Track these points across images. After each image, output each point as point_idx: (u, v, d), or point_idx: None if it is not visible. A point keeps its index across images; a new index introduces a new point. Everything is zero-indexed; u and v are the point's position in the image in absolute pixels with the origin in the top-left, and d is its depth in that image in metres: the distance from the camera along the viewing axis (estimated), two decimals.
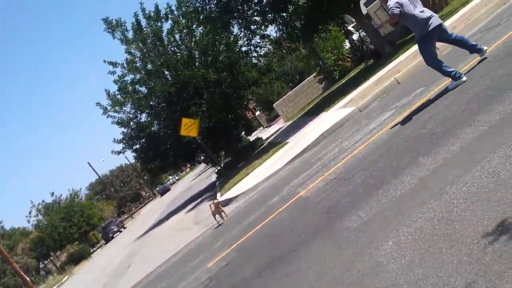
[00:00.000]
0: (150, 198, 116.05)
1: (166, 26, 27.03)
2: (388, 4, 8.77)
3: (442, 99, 8.15)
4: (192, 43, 26.87)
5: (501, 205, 3.96)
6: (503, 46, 8.64)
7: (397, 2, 8.57)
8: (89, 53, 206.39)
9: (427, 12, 8.64)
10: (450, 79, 8.48)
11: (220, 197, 17.63)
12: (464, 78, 8.18)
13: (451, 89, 8.27)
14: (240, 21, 22.63)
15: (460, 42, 8.92)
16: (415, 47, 16.65)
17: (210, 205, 13.07)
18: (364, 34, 26.02)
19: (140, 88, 26.88)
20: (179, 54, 26.75)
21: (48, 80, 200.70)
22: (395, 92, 12.69)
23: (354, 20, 25.42)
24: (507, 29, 9.67)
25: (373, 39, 22.93)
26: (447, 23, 16.61)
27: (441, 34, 8.74)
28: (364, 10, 31.33)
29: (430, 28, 8.52)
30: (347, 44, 33.25)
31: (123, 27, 26.21)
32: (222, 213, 12.69)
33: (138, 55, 26.58)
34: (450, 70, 8.44)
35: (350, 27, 31.93)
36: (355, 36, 30.78)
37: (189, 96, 25.60)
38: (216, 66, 25.82)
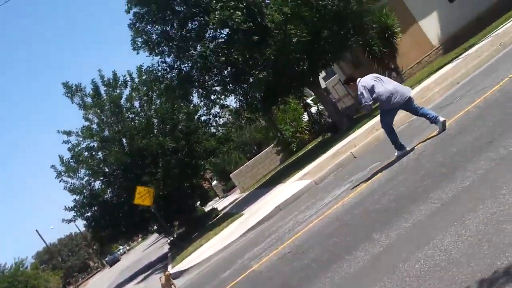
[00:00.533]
0: (99, 269, 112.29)
1: (126, 92, 26.94)
2: (358, 89, 9.37)
3: (396, 175, 8.18)
4: (152, 111, 26.84)
5: (453, 284, 3.88)
6: (455, 124, 8.83)
7: (364, 87, 9.21)
8: (43, 116, 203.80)
9: (393, 88, 9.24)
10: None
11: (171, 269, 17.08)
12: (408, 149, 9.05)
13: (397, 156, 9.20)
14: (200, 90, 22.73)
15: (423, 112, 9.38)
16: (372, 122, 17.05)
17: (160, 278, 12.54)
18: (323, 107, 26.50)
19: (95, 154, 26.47)
20: (137, 121, 26.64)
21: None
22: (351, 166, 12.74)
23: (313, 94, 25.91)
24: (460, 108, 9.93)
25: (331, 112, 23.33)
26: None
27: (406, 107, 9.42)
28: (323, 84, 32.15)
29: (392, 105, 9.21)
30: (305, 117, 33.86)
31: (82, 92, 26.12)
32: (172, 286, 12.20)
33: (96, 121, 26.36)
34: (397, 140, 9.30)
35: (309, 100, 32.60)
36: (313, 109, 31.40)
37: (144, 164, 25.27)
38: (174, 134, 25.74)
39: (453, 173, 6.23)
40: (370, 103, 9.27)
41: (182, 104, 25.00)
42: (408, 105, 9.40)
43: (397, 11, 23.56)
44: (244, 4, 18.90)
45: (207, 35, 21.33)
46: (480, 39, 19.28)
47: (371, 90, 9.25)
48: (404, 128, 12.07)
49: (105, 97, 26.25)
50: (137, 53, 21.87)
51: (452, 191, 5.67)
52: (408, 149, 9.24)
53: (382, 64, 24.67)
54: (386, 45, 23.81)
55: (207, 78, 22.19)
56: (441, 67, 19.03)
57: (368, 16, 21.42)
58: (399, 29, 23.24)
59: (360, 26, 21.12)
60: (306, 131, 33.98)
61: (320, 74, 26.52)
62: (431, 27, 24.59)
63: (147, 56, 22.38)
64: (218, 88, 22.85)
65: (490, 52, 14.50)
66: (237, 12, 18.55)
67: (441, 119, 9.01)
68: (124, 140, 26.15)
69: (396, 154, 9.43)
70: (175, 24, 21.46)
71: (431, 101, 13.54)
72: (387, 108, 9.37)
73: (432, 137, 8.99)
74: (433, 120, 9.17)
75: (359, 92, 9.30)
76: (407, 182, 7.28)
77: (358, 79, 9.57)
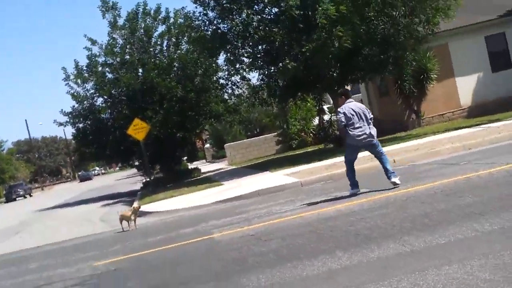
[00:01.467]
0: (69, 179, 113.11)
1: (160, 28, 27.02)
2: (338, 110, 10.29)
3: (380, 207, 8.34)
4: (175, 55, 26.85)
5: None
6: (453, 184, 8.97)
7: (342, 113, 9.97)
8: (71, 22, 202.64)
9: (364, 128, 9.88)
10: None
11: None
12: (356, 191, 9.99)
13: (350, 193, 10.02)
14: (229, 54, 22.70)
15: (382, 161, 10.13)
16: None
17: (127, 210, 12.78)
18: (335, 119, 26.55)
19: (108, 74, 26.61)
20: (159, 59, 26.68)
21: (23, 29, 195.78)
22: (341, 182, 12.81)
23: (332, 102, 25.94)
24: (462, 171, 10.07)
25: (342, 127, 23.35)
26: (413, 143, 17.20)
27: (370, 149, 10.23)
28: None
29: (356, 142, 9.97)
30: (316, 121, 33.90)
31: (117, 11, 26.26)
32: (134, 221, 12.40)
33: (120, 43, 26.42)
34: (352, 179, 10.16)
35: (325, 107, 32.61)
36: (326, 117, 31.42)
37: (150, 100, 25.37)
38: (188, 85, 25.76)
39: (433, 227, 6.35)
40: (342, 125, 10.00)
41: (206, 59, 24.96)
42: (373, 148, 10.16)
43: (440, 59, 23.64)
44: None
45: (256, 6, 21.23)
46: (507, 117, 19.36)
47: (348, 119, 9.88)
48: (407, 168, 12.18)
49: (141, 24, 26.30)
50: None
51: (426, 242, 5.78)
52: (361, 191, 9.99)
53: (406, 102, 24.76)
54: (417, 86, 23.89)
55: (239, 45, 22.15)
56: (460, 128, 19.16)
57: (411, 52, 21.43)
58: (435, 76, 23.32)
59: (400, 58, 21.12)
60: (311, 134, 34.06)
61: (346, 86, 26.56)
62: (465, 87, 24.67)
63: (192, 2, 22.12)
64: (246, 60, 22.82)
65: (511, 134, 14.57)
66: None
67: (394, 179, 9.82)
68: (140, 70, 26.22)
69: (349, 190, 10.18)
70: None
71: (438, 155, 13.66)
72: (350, 143, 10.08)
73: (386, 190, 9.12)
74: (387, 174, 9.95)
75: (341, 111, 10.01)
76: (387, 218, 7.42)
77: (348, 101, 10.24)
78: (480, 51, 24.80)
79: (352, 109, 9.99)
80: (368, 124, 10.02)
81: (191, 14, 22.28)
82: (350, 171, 10.25)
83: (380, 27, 20.76)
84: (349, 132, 9.89)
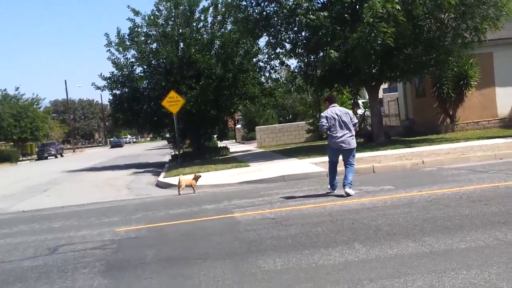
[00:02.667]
0: (100, 144, 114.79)
1: (204, 4, 27.16)
2: (321, 115, 10.56)
3: (403, 205, 8.33)
4: (219, 33, 26.90)
5: None
6: (480, 191, 8.88)
7: (324, 118, 10.26)
8: None
9: (342, 134, 10.15)
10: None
11: (163, 178, 17.53)
12: (335, 193, 10.26)
13: (327, 192, 10.51)
14: (271, 38, 22.68)
15: (346, 170, 10.27)
16: (405, 150, 17.10)
17: (180, 178, 13.54)
18: (369, 114, 26.37)
19: (150, 43, 26.83)
20: (201, 35, 26.76)
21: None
22: (367, 177, 12.84)
23: (368, 97, 25.75)
24: (491, 180, 9.97)
25: (374, 122, 23.23)
26: (444, 146, 17.03)
27: (344, 154, 10.34)
28: (380, 94, 31.87)
29: (333, 145, 10.26)
30: None
31: None
32: (194, 187, 13.13)
33: (164, 14, 26.59)
34: (333, 182, 10.51)
35: (360, 101, 32.38)
36: (360, 111, 31.18)
37: (188, 75, 25.52)
38: (228, 64, 25.82)
39: (455, 231, 6.33)
40: (324, 129, 10.34)
41: (248, 40, 24.94)
42: (346, 155, 10.35)
43: (482, 67, 23.28)
44: None
45: None
46: None
47: (330, 123, 10.19)
48: (436, 170, 12.08)
49: None
50: None
51: (446, 245, 5.77)
52: (336, 193, 10.27)
53: (442, 105, 24.48)
54: (455, 91, 23.58)
55: (283, 30, 22.10)
56: (494, 137, 18.88)
57: (455, 57, 21.11)
58: (475, 83, 22.95)
59: (443, 61, 20.83)
60: None
61: (384, 83, 26.28)
62: (504, 98, 24.31)
63: None
64: (287, 45, 22.76)
65: None
66: None
67: (348, 190, 9.90)
68: (181, 44, 26.36)
69: (328, 188, 10.65)
70: None
71: (468, 161, 13.52)
72: (330, 146, 10.42)
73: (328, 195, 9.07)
74: (344, 182, 10.03)
75: (323, 115, 10.35)
76: (409, 217, 7.40)
77: (332, 106, 10.48)
78: None
79: (336, 114, 10.24)
80: (349, 129, 10.25)
81: None
82: (331, 171, 10.71)
83: (426, 28, 20.49)
84: (330, 135, 10.24)
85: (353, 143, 10.30)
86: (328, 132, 10.25)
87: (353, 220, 7.58)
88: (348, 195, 9.81)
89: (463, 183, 9.95)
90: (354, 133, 10.32)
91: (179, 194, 13.10)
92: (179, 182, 13.27)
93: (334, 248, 6.14)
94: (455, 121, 24.35)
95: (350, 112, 10.64)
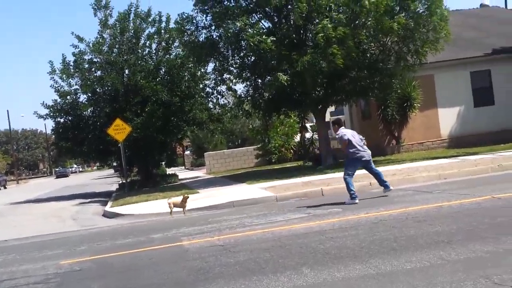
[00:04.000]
0: (45, 174, 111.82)
1: (150, 30, 27.02)
2: (338, 133, 12.00)
3: (351, 228, 8.38)
4: (164, 59, 26.82)
5: None
6: (424, 212, 9.03)
7: (346, 134, 11.83)
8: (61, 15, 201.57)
9: (364, 150, 11.86)
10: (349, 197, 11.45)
11: (109, 208, 17.14)
12: (357, 201, 11.19)
13: (347, 203, 11.20)
14: (217, 63, 22.74)
15: (377, 175, 12.02)
16: (356, 172, 17.29)
17: (168, 201, 13.59)
18: (317, 138, 26.67)
19: (94, 70, 26.46)
20: (145, 61, 26.61)
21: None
22: (316, 200, 12.90)
23: (315, 121, 26.07)
24: (435, 200, 10.18)
25: (322, 145, 23.50)
26: (391, 168, 17.34)
27: (366, 165, 11.92)
28: (327, 117, 32.32)
29: (355, 159, 11.76)
30: (297, 138, 34.04)
31: (109, 10, 26.30)
32: (184, 208, 13.26)
33: (108, 42, 26.33)
34: (352, 190, 11.43)
35: (308, 125, 32.77)
36: (308, 135, 31.55)
37: (134, 102, 25.27)
38: (174, 90, 25.72)
39: (400, 252, 6.39)
40: (346, 139, 11.71)
41: (195, 65, 24.91)
42: (367, 164, 11.94)
43: (425, 89, 23.97)
44: (306, 2, 18.86)
45: (251, 18, 21.30)
46: (484, 151, 19.64)
47: (350, 141, 11.73)
48: (382, 192, 12.25)
49: (131, 25, 26.26)
50: None
51: (392, 266, 5.81)
52: (357, 202, 11.21)
53: (387, 127, 24.99)
54: (400, 113, 24.15)
55: (229, 55, 22.19)
56: (438, 157, 19.38)
57: (398, 79, 21.67)
58: (418, 105, 23.57)
59: (386, 84, 21.34)
60: (291, 150, 34.18)
61: (330, 106, 26.69)
62: (447, 119, 25.06)
63: (193, 5, 22.07)
64: (234, 70, 22.86)
65: (487, 167, 14.79)
66: (299, 4, 18.56)
67: (391, 188, 11.84)
68: (127, 71, 26.11)
69: (346, 200, 11.42)
70: None
71: (413, 181, 13.80)
72: (353, 159, 11.77)
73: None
74: (383, 185, 11.86)
75: (340, 134, 11.89)
76: (356, 239, 7.44)
77: (343, 128, 12.18)
78: (464, 86, 25.27)
79: (352, 134, 11.98)
80: (364, 145, 11.95)
81: (185, 17, 22.00)
82: (349, 184, 11.60)
83: (370, 52, 21.00)
84: (350, 151, 11.72)
85: (370, 154, 11.98)
86: (349, 147, 11.68)
87: (301, 245, 7.56)
88: (387, 190, 11.78)
89: (409, 204, 10.11)
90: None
91: (171, 215, 13.14)
92: (168, 205, 13.31)
93: (282, 274, 6.09)
94: (400, 143, 24.90)
95: (357, 133, 12.31)
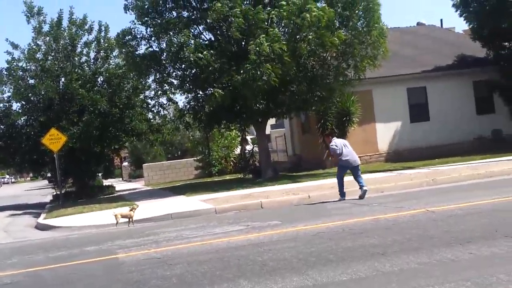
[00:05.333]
0: None
1: (87, 38, 26.46)
2: (331, 144, 13.85)
3: (289, 240, 8.40)
4: (102, 68, 26.32)
5: None
6: (360, 224, 9.16)
7: (336, 145, 13.70)
8: None
9: (351, 155, 13.71)
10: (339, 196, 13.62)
11: (43, 220, 16.57)
12: (344, 198, 13.45)
13: (339, 199, 13.45)
14: (158, 75, 22.49)
15: (358, 179, 13.60)
16: (291, 186, 17.46)
17: (127, 209, 13.40)
18: (257, 150, 26.74)
19: (28, 79, 25.65)
20: (83, 69, 26.02)
21: None
22: (255, 213, 12.91)
23: (255, 134, 26.15)
24: (371, 213, 10.35)
25: (262, 158, 23.59)
26: (329, 181, 17.54)
27: (353, 170, 13.63)
28: (268, 130, 32.55)
29: (345, 163, 13.66)
30: (238, 150, 34.05)
31: (43, 17, 25.72)
32: (131, 219, 12.95)
33: (43, 49, 25.62)
34: (342, 190, 13.57)
35: (249, 137, 32.84)
36: (248, 147, 31.60)
37: (70, 111, 24.61)
38: (113, 99, 25.25)
39: (337, 263, 6.43)
40: (338, 153, 13.60)
41: (135, 76, 24.54)
42: (354, 170, 13.60)
43: (363, 103, 24.42)
44: (244, 17, 18.89)
45: (193, 29, 21.24)
46: (420, 166, 20.20)
47: (340, 149, 13.61)
48: (320, 205, 12.35)
49: (66, 32, 25.65)
50: (125, 12, 21.42)
51: (329, 278, 5.83)
52: (345, 198, 13.41)
53: (327, 141, 25.25)
54: (339, 127, 24.48)
55: (170, 67, 21.99)
56: (376, 171, 19.79)
57: (336, 93, 22.02)
58: (357, 119, 24.02)
59: (325, 98, 21.65)
60: (232, 163, 34.15)
61: (270, 119, 26.87)
62: (384, 134, 25.67)
63: (135, 19, 21.84)
64: (175, 82, 22.69)
65: (421, 182, 15.20)
66: (236, 19, 18.57)
67: (366, 188, 13.44)
68: (62, 79, 25.42)
69: (338, 198, 13.52)
70: (170, 3, 21.27)
71: (351, 195, 13.94)
72: (341, 164, 13.75)
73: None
74: (362, 185, 13.46)
75: (333, 145, 13.75)
76: (294, 251, 7.45)
77: (335, 139, 14.08)
78: (401, 101, 25.99)
79: (342, 143, 13.84)
80: (351, 155, 13.71)
81: (125, 30, 21.66)
82: (341, 185, 13.61)
83: (309, 66, 21.27)
84: (342, 158, 13.61)
85: (358, 161, 13.89)
86: (340, 155, 13.58)
87: (239, 257, 7.51)
88: (364, 194, 13.32)
89: (346, 217, 10.24)
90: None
91: (116, 226, 12.77)
92: (115, 216, 12.92)
93: (219, 286, 6.02)
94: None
95: (346, 141, 14.26)
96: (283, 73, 18.97)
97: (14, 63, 25.23)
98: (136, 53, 21.57)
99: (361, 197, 13.27)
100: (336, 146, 13.69)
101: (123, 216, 13.00)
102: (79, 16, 27.09)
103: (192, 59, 19.05)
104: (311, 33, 19.17)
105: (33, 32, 25.53)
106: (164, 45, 21.06)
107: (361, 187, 13.45)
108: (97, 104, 24.27)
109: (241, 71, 18.56)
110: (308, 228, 9.36)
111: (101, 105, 24.34)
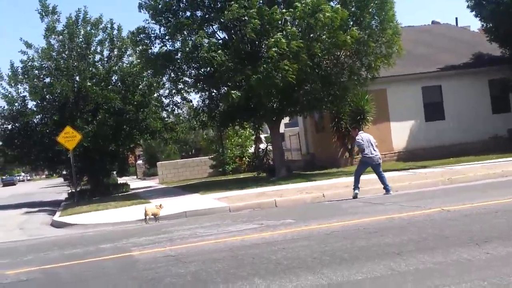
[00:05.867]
0: None
1: (100, 37, 26.58)
2: (357, 138, 13.98)
3: (303, 239, 8.38)
4: (116, 67, 26.45)
5: None
6: (376, 223, 9.12)
7: (362, 139, 13.83)
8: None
9: (375, 153, 13.82)
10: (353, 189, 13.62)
11: (58, 217, 16.71)
12: (357, 192, 13.47)
13: (353, 196, 13.42)
14: (173, 74, 22.55)
15: (381, 178, 13.72)
16: (305, 184, 17.43)
17: (155, 207, 13.51)
18: (271, 149, 26.75)
19: (43, 78, 25.84)
20: (97, 67, 26.16)
21: None
22: (269, 211, 12.91)
23: (269, 132, 26.16)
24: (386, 212, 10.29)
25: (275, 157, 23.58)
26: (344, 180, 17.49)
27: (375, 168, 13.78)
28: (282, 129, 32.53)
29: (367, 160, 13.79)
30: (252, 148, 34.07)
31: (57, 16, 25.88)
32: (158, 215, 13.13)
33: (56, 48, 25.77)
34: (356, 185, 13.51)
35: (263, 136, 32.85)
36: (262, 146, 31.63)
37: (85, 109, 24.77)
38: (128, 97, 25.37)
39: (352, 263, 6.41)
40: (362, 148, 13.75)
41: (150, 74, 24.64)
42: (375, 167, 13.77)
43: (378, 103, 24.29)
44: (259, 17, 18.90)
45: (207, 29, 21.26)
46: (435, 165, 20.06)
47: (365, 144, 13.74)
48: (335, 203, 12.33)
49: (81, 31, 25.81)
50: (139, 11, 21.49)
51: (344, 277, 5.81)
52: (358, 194, 13.47)
53: (341, 140, 25.22)
54: (353, 126, 24.36)
55: (185, 66, 22.05)
56: (390, 170, 19.65)
57: (351, 92, 21.95)
58: (371, 118, 23.91)
59: (340, 97, 21.59)
60: (246, 161, 34.18)
61: (284, 118, 26.86)
62: (399, 133, 25.51)
63: (149, 18, 21.93)
64: (189, 80, 22.74)
65: (437, 181, 15.11)
66: (252, 20, 18.56)
67: (391, 193, 13.50)
68: (77, 78, 25.58)
69: (354, 192, 13.53)
70: (184, 2, 21.31)
71: (366, 193, 13.94)
72: (363, 160, 13.94)
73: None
74: (385, 188, 13.59)
75: (359, 138, 13.89)
76: (308, 250, 7.44)
77: (361, 132, 14.27)
78: (416, 100, 25.81)
79: (367, 139, 13.86)
80: (376, 149, 13.89)
81: (140, 29, 21.75)
82: (356, 180, 13.57)
83: (324, 65, 21.22)
84: (365, 155, 13.70)
85: (380, 159, 13.95)
86: (364, 151, 13.69)
87: (253, 255, 7.51)
88: (388, 192, 13.51)
89: (361, 216, 10.21)
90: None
91: (147, 223, 12.89)
92: (145, 212, 13.10)
93: (234, 284, 6.01)
94: (353, 155, 25.16)
95: (372, 137, 14.19)
96: (299, 71, 18.94)
97: (29, 63, 25.43)
98: (150, 51, 21.66)
99: (386, 193, 13.59)
100: (362, 140, 13.78)
101: (153, 214, 13.17)
102: (94, 15, 27.27)
103: (206, 57, 19.06)
104: (324, 32, 19.14)
105: (46, 30, 25.69)
106: (179, 44, 21.14)
107: (385, 188, 13.64)
108: (111, 102, 24.40)
109: (257, 69, 18.56)
110: (322, 226, 9.33)
111: (115, 103, 24.47)
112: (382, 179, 13.71)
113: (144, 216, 13.04)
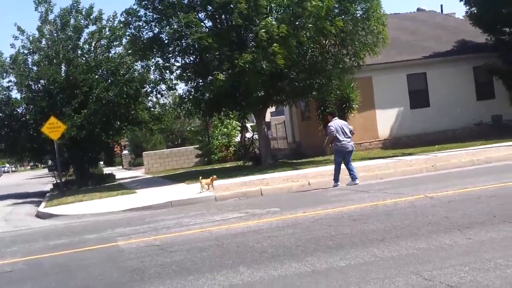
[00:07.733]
0: None
1: (91, 28, 26.40)
2: (329, 124, 13.66)
3: (288, 227, 8.43)
4: (103, 56, 26.24)
5: None
6: (357, 210, 9.17)
7: (332, 126, 13.51)
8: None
9: (347, 140, 13.50)
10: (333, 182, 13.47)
11: (43, 208, 16.61)
12: (339, 186, 13.29)
13: (333, 186, 13.34)
14: (160, 61, 22.39)
15: (350, 167, 13.47)
16: (291, 173, 17.46)
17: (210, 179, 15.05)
18: (257, 138, 26.74)
19: (31, 66, 25.58)
20: (86, 58, 25.94)
21: None
22: (255, 200, 12.93)
23: (255, 121, 26.13)
24: (370, 199, 10.35)
25: (261, 146, 23.58)
26: (329, 168, 17.56)
27: (346, 155, 13.47)
28: (268, 118, 32.53)
29: (339, 148, 13.49)
30: (238, 138, 34.06)
31: (50, 5, 25.65)
32: (212, 186, 14.86)
33: (47, 36, 25.54)
34: (337, 176, 13.42)
35: (249, 125, 32.79)
36: (248, 135, 31.58)
37: (73, 99, 24.53)
38: (114, 88, 25.18)
39: (336, 250, 6.46)
40: (332, 135, 13.41)
41: (137, 59, 24.41)
42: (347, 155, 13.49)
43: (363, 91, 24.36)
44: (246, 1, 18.73)
45: (196, 14, 21.05)
46: (419, 152, 20.21)
47: (337, 131, 13.42)
48: (320, 191, 12.37)
49: (73, 22, 25.58)
50: None
51: (327, 264, 5.86)
52: (339, 185, 13.34)
53: (327, 128, 25.20)
54: (338, 114, 24.35)
55: (171, 52, 21.90)
56: (375, 158, 19.81)
57: (336, 80, 21.97)
58: (356, 106, 23.96)
59: (325, 85, 21.61)
60: (232, 150, 34.18)
61: (270, 107, 26.84)
62: (384, 120, 25.62)
63: (134, 5, 21.76)
64: (176, 67, 22.59)
65: (421, 168, 15.21)
66: (238, 4, 18.49)
67: (357, 182, 13.29)
68: (64, 67, 25.33)
69: (332, 184, 13.41)
70: None
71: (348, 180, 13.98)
72: (337, 149, 13.51)
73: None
74: (351, 177, 13.39)
75: (331, 125, 13.56)
76: (293, 238, 7.48)
77: (335, 119, 13.89)
78: (401, 88, 25.92)
79: (340, 125, 13.56)
80: (350, 137, 13.59)
81: (129, 10, 21.49)
82: (337, 170, 13.41)
83: (309, 53, 21.20)
84: (337, 143, 13.40)
85: (353, 146, 13.75)
86: (336, 137, 13.35)
87: (238, 244, 7.54)
88: (356, 183, 13.21)
89: (345, 203, 10.27)
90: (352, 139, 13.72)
91: (201, 192, 14.55)
92: (201, 183, 14.85)
93: (219, 272, 6.04)
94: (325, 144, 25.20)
95: (347, 123, 13.99)
96: (286, 57, 18.89)
97: (20, 50, 25.24)
98: (138, 35, 21.49)
99: (352, 183, 13.39)
100: (333, 126, 13.50)
101: (207, 184, 14.84)
102: (85, 5, 26.99)
103: (194, 39, 18.97)
104: (310, 21, 19.11)
105: (39, 19, 25.52)
106: (166, 28, 20.95)
107: (352, 178, 13.43)
108: (98, 88, 24.17)
109: (245, 55, 18.48)
110: (308, 214, 9.38)
111: (106, 93, 24.29)
112: (350, 169, 13.50)
113: (200, 187, 14.74)
